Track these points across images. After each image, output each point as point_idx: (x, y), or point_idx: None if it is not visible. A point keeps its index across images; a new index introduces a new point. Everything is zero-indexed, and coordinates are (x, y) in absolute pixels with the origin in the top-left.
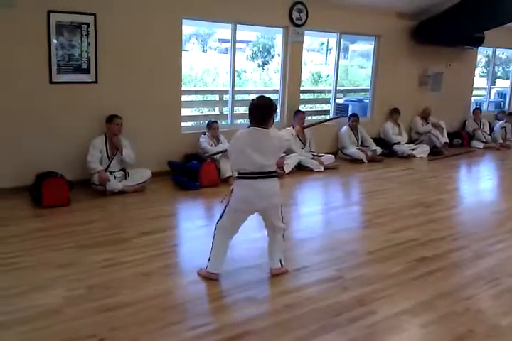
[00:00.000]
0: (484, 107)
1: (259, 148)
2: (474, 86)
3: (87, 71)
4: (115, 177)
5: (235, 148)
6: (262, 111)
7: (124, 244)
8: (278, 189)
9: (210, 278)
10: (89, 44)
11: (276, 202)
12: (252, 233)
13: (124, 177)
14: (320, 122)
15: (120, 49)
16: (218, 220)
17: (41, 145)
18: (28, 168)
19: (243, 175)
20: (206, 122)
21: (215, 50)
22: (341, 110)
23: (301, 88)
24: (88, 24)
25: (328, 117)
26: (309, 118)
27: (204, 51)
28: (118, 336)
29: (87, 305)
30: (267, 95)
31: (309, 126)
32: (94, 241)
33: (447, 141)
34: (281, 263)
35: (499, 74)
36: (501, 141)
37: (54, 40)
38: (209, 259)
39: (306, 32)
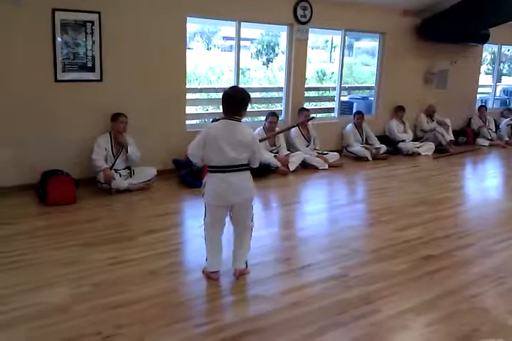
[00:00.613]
0: (490, 105)
1: (231, 141)
2: (480, 83)
3: (92, 69)
4: (120, 176)
5: (207, 141)
6: (236, 102)
7: (130, 242)
8: (251, 183)
9: (210, 277)
10: (93, 42)
11: (249, 197)
12: (256, 231)
13: (130, 175)
14: (287, 128)
15: (125, 47)
16: (203, 218)
17: (47, 143)
18: (33, 166)
19: (215, 169)
20: (211, 120)
21: (220, 47)
22: (346, 108)
23: (306, 86)
24: (93, 22)
25: (332, 114)
26: (314, 115)
27: (208, 49)
28: (124, 333)
29: (92, 302)
30: (271, 93)
31: (278, 132)
32: (99, 239)
33: (452, 138)
34: (246, 264)
35: (505, 71)
36: (507, 138)
37: (59, 39)
38: (206, 259)
39: (310, 29)
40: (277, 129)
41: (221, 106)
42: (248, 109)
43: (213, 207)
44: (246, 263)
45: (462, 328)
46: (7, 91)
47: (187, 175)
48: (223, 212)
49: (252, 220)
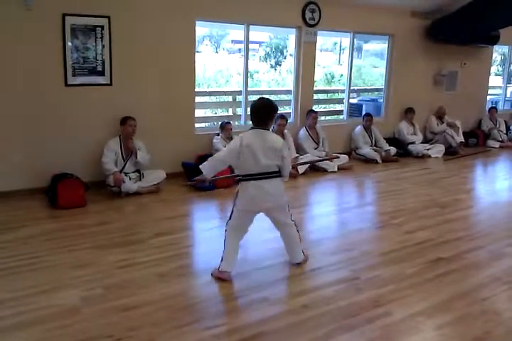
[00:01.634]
0: (500, 106)
1: (264, 148)
2: (490, 84)
3: (102, 73)
4: (130, 179)
5: (242, 150)
6: (264, 112)
7: (140, 245)
8: (283, 188)
9: (222, 277)
10: (103, 46)
11: (282, 202)
12: (265, 234)
13: (139, 178)
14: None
15: (134, 51)
16: (228, 221)
17: (57, 147)
18: (43, 169)
19: (249, 177)
20: (219, 123)
21: (228, 51)
22: (355, 110)
23: (315, 88)
24: (102, 27)
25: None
26: (323, 118)
27: (217, 52)
28: (134, 336)
29: (104, 305)
30: (280, 95)
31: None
32: (110, 242)
33: (463, 140)
34: (303, 253)
35: None
36: None
37: (69, 43)
38: (221, 259)
39: (319, 32)
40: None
41: (250, 117)
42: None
43: (243, 212)
44: (303, 252)
45: (473, 331)
46: (18, 96)
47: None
48: (251, 217)
49: (291, 219)
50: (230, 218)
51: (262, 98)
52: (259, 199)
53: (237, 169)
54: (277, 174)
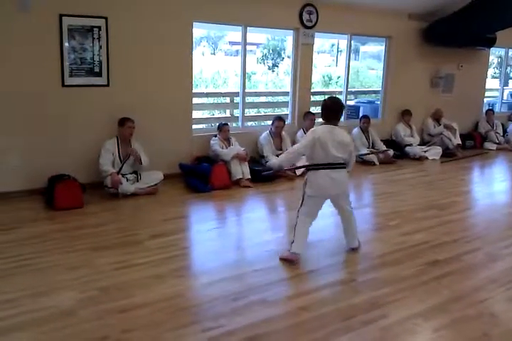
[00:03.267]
0: (497, 108)
1: (335, 142)
2: (487, 87)
3: (99, 74)
4: (127, 180)
5: (317, 142)
6: (336, 110)
7: (137, 246)
8: (347, 178)
9: (291, 258)
10: (100, 47)
11: (345, 190)
12: (263, 236)
13: (137, 179)
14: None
15: (131, 52)
16: (299, 208)
17: (54, 148)
18: (41, 170)
19: (319, 166)
20: (217, 125)
21: (226, 52)
22: (352, 112)
23: (312, 90)
24: (100, 27)
25: None
26: (320, 120)
27: (214, 54)
28: (130, 338)
29: (100, 306)
30: (277, 97)
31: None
32: (106, 243)
33: (460, 142)
34: (358, 242)
35: None
36: None
37: (66, 44)
38: (292, 242)
39: (316, 34)
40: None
41: (321, 114)
42: (254, 114)
43: (314, 198)
44: (358, 241)
45: (471, 333)
46: (15, 96)
47: (270, 175)
48: (321, 203)
49: (351, 206)
50: (300, 205)
51: (333, 97)
52: (329, 187)
53: (309, 159)
54: (343, 165)
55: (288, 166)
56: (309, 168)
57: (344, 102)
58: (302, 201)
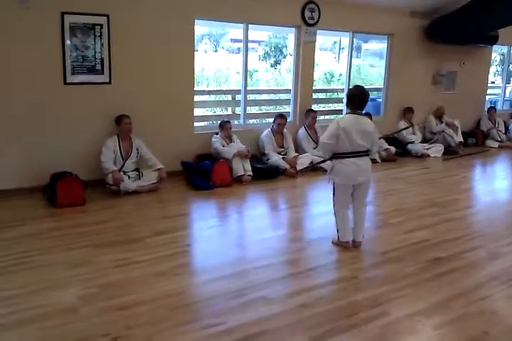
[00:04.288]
0: (499, 106)
1: (359, 131)
2: (489, 84)
3: (101, 72)
4: (129, 178)
5: (342, 131)
6: (360, 98)
7: (138, 244)
8: (370, 166)
9: (344, 246)
10: (102, 45)
11: (370, 177)
12: (264, 233)
13: (138, 177)
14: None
15: (133, 50)
16: (333, 197)
17: (56, 145)
18: (42, 168)
19: (343, 155)
20: (219, 122)
21: (228, 50)
22: None
23: (314, 87)
24: (101, 25)
25: None
26: (321, 117)
27: (216, 51)
28: (131, 335)
29: (101, 303)
30: (279, 95)
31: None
32: (108, 240)
33: (462, 140)
34: (363, 236)
35: None
36: None
37: (68, 42)
38: (337, 231)
39: (318, 31)
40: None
41: (346, 102)
42: (255, 111)
43: (343, 186)
44: (363, 235)
45: (472, 331)
46: (17, 94)
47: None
48: (350, 190)
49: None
50: (333, 194)
51: (358, 86)
52: (355, 174)
53: (336, 146)
54: (367, 153)
55: (328, 156)
56: (334, 156)
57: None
58: (334, 191)
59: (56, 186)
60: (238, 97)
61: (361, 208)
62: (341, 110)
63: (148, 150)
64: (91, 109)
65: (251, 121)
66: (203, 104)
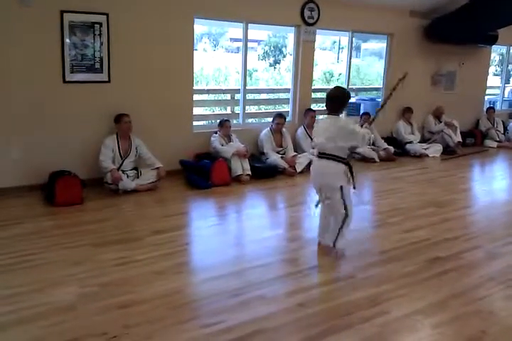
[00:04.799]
0: (498, 106)
1: (327, 132)
2: (488, 84)
3: (100, 70)
4: (128, 176)
5: (314, 132)
6: (337, 101)
7: (137, 243)
8: (336, 172)
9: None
10: (101, 44)
11: (331, 183)
12: (263, 232)
13: (137, 176)
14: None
15: (133, 48)
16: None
17: (55, 144)
18: (41, 166)
19: (318, 154)
20: (218, 121)
21: (227, 49)
22: (353, 109)
23: (313, 87)
24: (101, 24)
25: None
26: (320, 117)
27: (215, 50)
28: (130, 333)
29: (100, 302)
30: (278, 94)
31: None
32: (107, 239)
33: (460, 140)
34: (333, 244)
35: None
36: None
37: (67, 40)
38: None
39: (317, 31)
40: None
41: (325, 104)
42: (254, 110)
43: (313, 185)
44: (334, 243)
45: (470, 330)
46: (16, 92)
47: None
48: (317, 191)
49: (346, 209)
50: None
51: (338, 87)
52: (315, 175)
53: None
54: (334, 157)
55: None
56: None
57: None
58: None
59: (55, 185)
60: (237, 96)
61: (334, 216)
62: None
63: (147, 149)
64: (90, 107)
65: (250, 120)
66: (202, 103)
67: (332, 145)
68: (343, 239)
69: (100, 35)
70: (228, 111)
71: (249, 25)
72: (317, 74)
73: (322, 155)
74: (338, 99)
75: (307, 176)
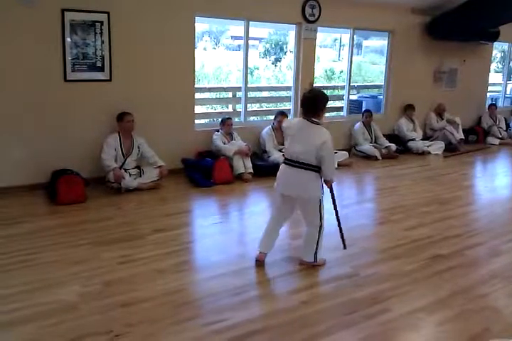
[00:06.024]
0: (500, 103)
1: (300, 138)
2: (490, 81)
3: (101, 69)
4: (130, 175)
5: (286, 134)
6: (309, 103)
7: (139, 241)
8: (310, 183)
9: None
10: (103, 42)
11: (305, 196)
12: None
13: (139, 174)
14: None
15: (134, 47)
16: None
17: (56, 143)
18: (43, 165)
19: (284, 160)
20: (220, 119)
21: (228, 47)
22: (355, 106)
23: (315, 84)
24: (102, 22)
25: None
26: (326, 115)
27: (217, 48)
28: (133, 332)
29: (102, 301)
30: (280, 92)
31: None
32: (109, 238)
33: (462, 137)
34: (315, 258)
35: None
36: None
37: (68, 39)
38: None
39: (319, 28)
40: None
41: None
42: (256, 108)
43: (276, 192)
44: (315, 256)
45: (473, 328)
46: (17, 91)
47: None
48: (282, 198)
49: (321, 220)
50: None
51: (312, 90)
52: (283, 183)
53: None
54: (307, 167)
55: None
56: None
57: (347, 97)
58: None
59: (57, 183)
60: (239, 94)
61: (307, 228)
62: (342, 107)
63: (149, 148)
64: (91, 106)
65: (252, 118)
66: (204, 101)
67: (304, 154)
68: (322, 248)
69: (101, 33)
70: (230, 109)
71: (250, 22)
72: (318, 71)
73: (294, 163)
74: (310, 101)
75: None
